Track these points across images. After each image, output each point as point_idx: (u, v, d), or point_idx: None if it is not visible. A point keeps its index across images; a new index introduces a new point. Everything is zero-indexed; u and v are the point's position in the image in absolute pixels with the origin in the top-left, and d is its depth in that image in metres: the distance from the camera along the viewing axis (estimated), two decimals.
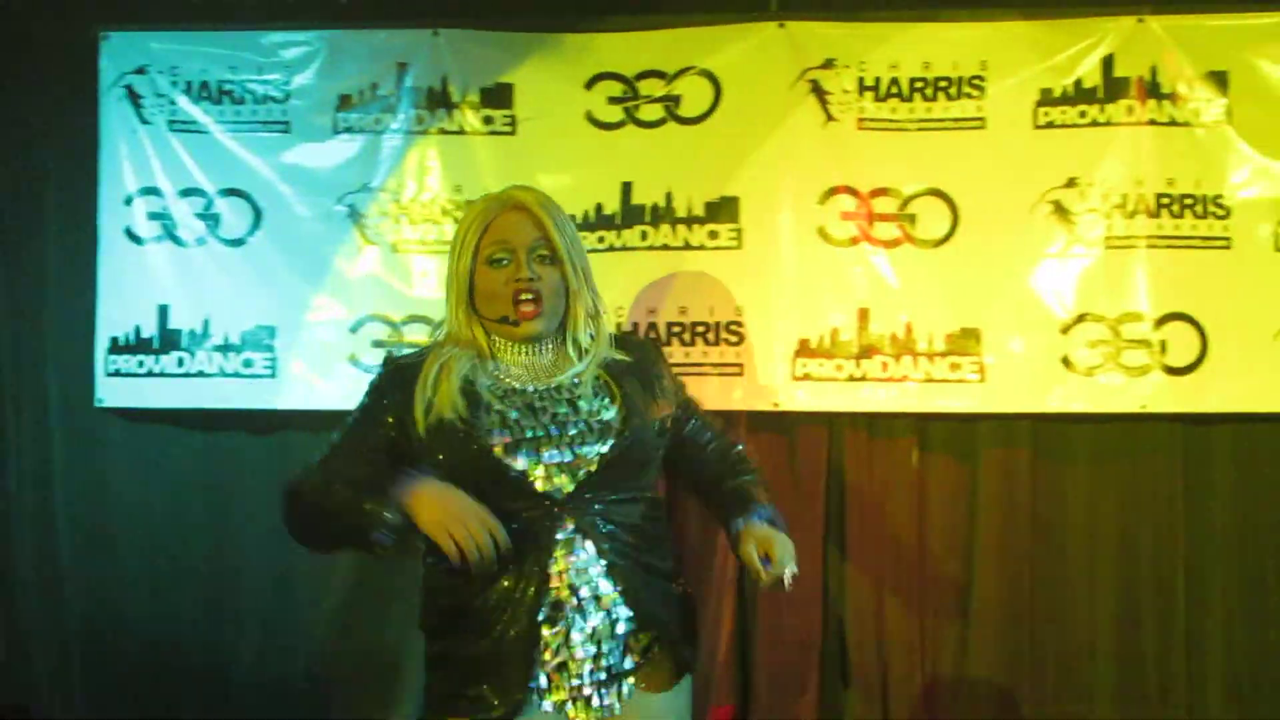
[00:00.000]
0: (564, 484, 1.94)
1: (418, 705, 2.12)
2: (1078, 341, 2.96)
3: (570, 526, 1.93)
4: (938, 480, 3.09)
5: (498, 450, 1.92)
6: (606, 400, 2.01)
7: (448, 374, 1.97)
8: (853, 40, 2.99)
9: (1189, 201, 2.94)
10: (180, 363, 3.05)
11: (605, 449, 1.95)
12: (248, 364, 3.05)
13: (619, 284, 2.99)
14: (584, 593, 1.93)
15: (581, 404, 1.99)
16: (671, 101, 3.02)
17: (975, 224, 2.97)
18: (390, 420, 2.01)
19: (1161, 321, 2.95)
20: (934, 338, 2.99)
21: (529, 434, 1.94)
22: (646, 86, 3.02)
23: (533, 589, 1.90)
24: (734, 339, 3.01)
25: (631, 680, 2.00)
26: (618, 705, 1.98)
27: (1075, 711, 3.06)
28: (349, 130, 3.06)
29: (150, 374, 3.06)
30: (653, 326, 3.02)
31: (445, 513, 1.84)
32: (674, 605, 2.07)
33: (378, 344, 3.04)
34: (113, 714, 3.13)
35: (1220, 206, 2.94)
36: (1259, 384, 2.94)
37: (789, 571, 1.96)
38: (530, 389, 2.00)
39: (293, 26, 3.06)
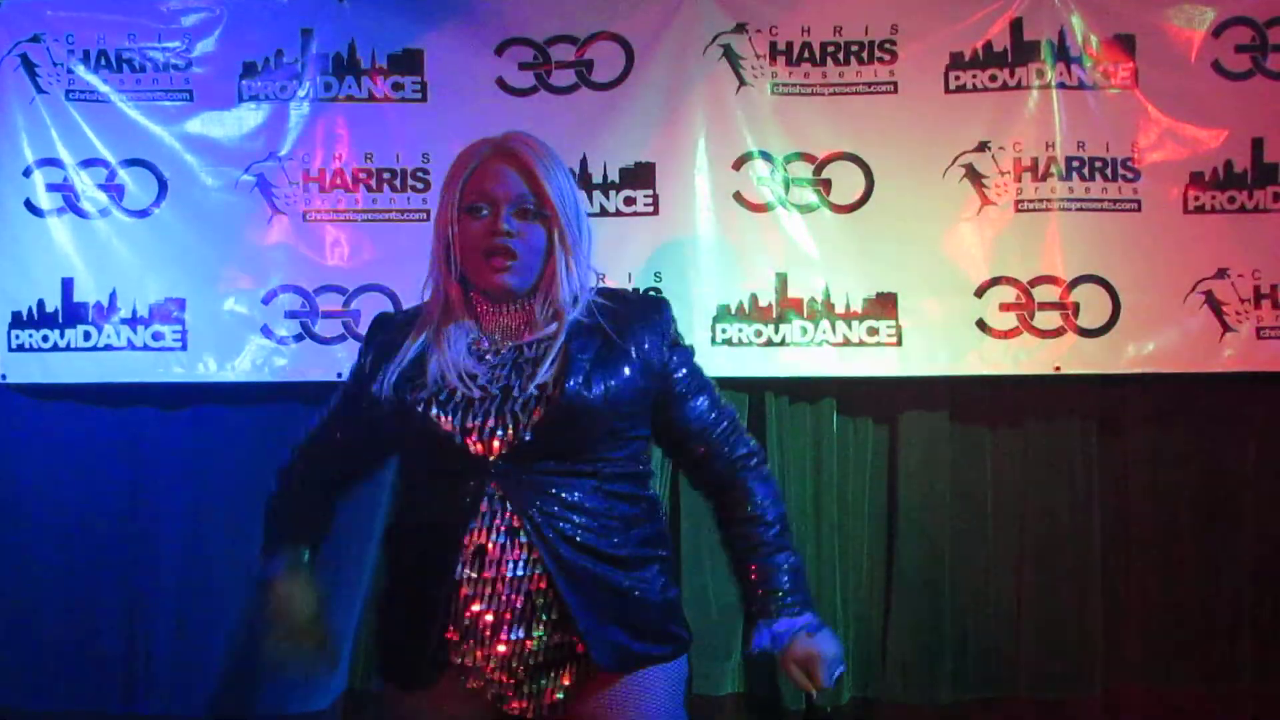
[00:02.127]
0: (498, 449, 1.88)
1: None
2: (992, 304, 3.11)
3: (497, 495, 1.88)
4: (858, 444, 3.24)
5: (427, 408, 1.89)
6: (553, 364, 1.93)
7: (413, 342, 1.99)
8: (763, 4, 3.09)
9: (1099, 164, 3.09)
10: (87, 336, 3.12)
11: (537, 416, 1.88)
12: (157, 337, 3.12)
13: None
14: (504, 570, 1.87)
15: (529, 368, 1.92)
16: (584, 67, 3.12)
17: (889, 188, 3.10)
18: (360, 379, 2.06)
19: (1074, 284, 3.10)
20: (851, 302, 3.12)
21: (463, 394, 1.90)
22: (558, 51, 3.11)
23: (450, 555, 1.87)
24: None
25: (564, 676, 1.94)
26: (552, 691, 1.93)
27: (995, 671, 3.23)
28: (254, 98, 3.13)
29: (56, 348, 3.12)
30: None
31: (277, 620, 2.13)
32: (615, 596, 1.93)
33: (291, 314, 3.13)
34: (27, 697, 3.21)
35: (1130, 169, 3.09)
36: (1170, 344, 3.10)
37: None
38: (488, 350, 1.97)
39: None
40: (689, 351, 2.10)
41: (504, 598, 1.88)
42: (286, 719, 3.21)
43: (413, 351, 1.97)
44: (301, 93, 3.13)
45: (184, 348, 3.13)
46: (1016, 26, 3.08)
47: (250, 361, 3.14)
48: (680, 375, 2.05)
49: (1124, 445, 3.25)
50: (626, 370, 1.95)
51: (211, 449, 3.21)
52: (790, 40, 3.11)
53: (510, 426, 1.88)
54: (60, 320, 3.12)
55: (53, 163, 3.12)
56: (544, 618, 1.89)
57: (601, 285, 2.05)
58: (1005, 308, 3.11)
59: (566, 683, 1.93)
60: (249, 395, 3.18)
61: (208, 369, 3.13)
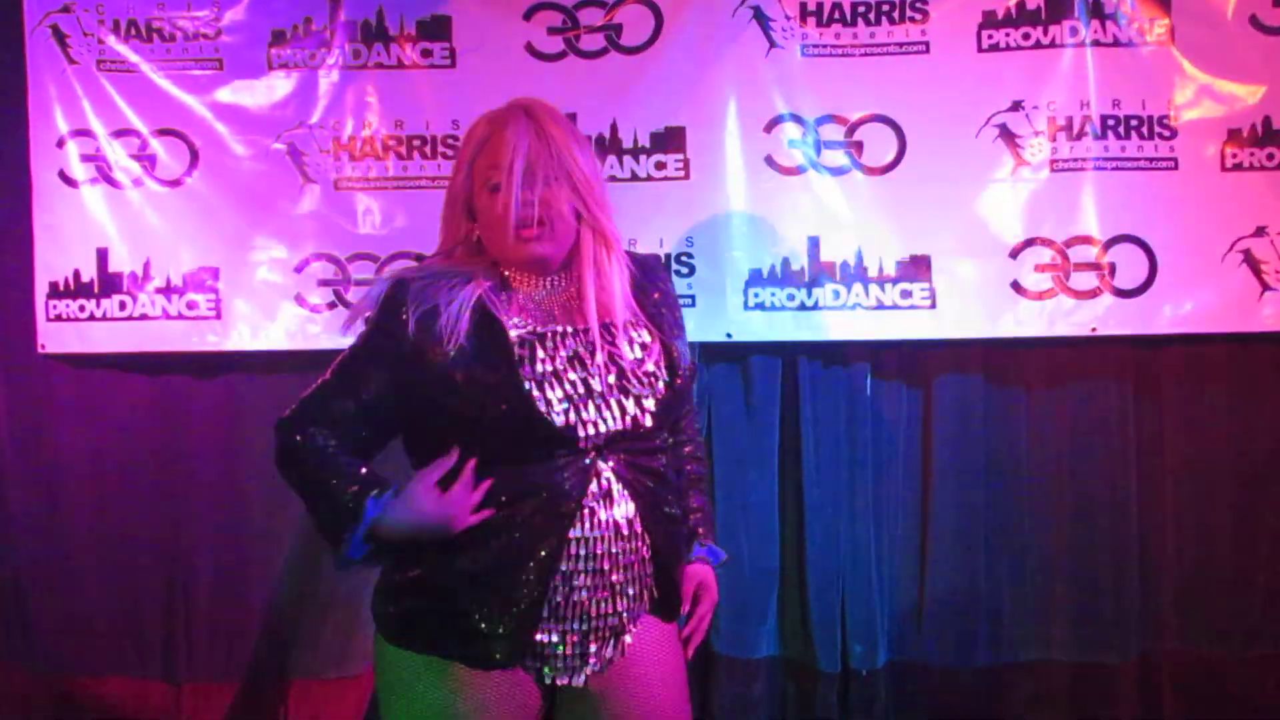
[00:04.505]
0: (603, 433, 1.93)
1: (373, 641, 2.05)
2: (1027, 266, 3.16)
3: (606, 475, 1.94)
4: (891, 407, 3.31)
5: (544, 402, 1.90)
6: (645, 344, 2.01)
7: (466, 306, 1.93)
8: None
9: (1135, 123, 3.13)
10: (122, 306, 3.21)
11: (651, 403, 1.97)
12: (191, 306, 3.21)
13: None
14: (615, 546, 1.95)
15: (623, 347, 1.99)
16: (613, 31, 3.18)
17: (922, 150, 3.15)
18: (399, 341, 1.92)
19: (1110, 244, 3.15)
20: (884, 264, 3.18)
21: (579, 388, 1.93)
22: (586, 16, 3.17)
23: (550, 533, 1.90)
24: (684, 270, 3.19)
25: (633, 629, 2.03)
26: (604, 662, 2.01)
27: (1031, 635, 3.30)
28: (284, 66, 3.20)
29: (92, 318, 3.21)
30: None
31: (445, 510, 1.90)
32: (684, 550, 2.15)
33: (324, 283, 3.21)
34: (67, 662, 3.33)
35: (1166, 127, 3.13)
36: (1208, 304, 3.15)
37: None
38: (561, 330, 1.98)
39: None
40: None
41: (604, 572, 1.95)
42: (322, 683, 3.33)
43: (479, 313, 1.95)
44: (331, 60, 3.20)
45: (218, 316, 3.22)
46: None
47: (284, 330, 3.22)
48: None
49: (1161, 407, 3.30)
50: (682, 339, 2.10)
51: (246, 417, 3.30)
52: (820, 1, 3.16)
53: (627, 416, 1.95)
54: (96, 290, 3.21)
55: (85, 133, 3.20)
56: (628, 590, 1.99)
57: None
58: (1040, 269, 3.16)
59: (610, 652, 2.01)
60: (283, 363, 3.26)
61: (242, 337, 3.22)
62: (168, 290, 3.22)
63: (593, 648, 1.98)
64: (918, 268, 3.18)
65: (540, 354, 1.94)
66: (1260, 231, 3.14)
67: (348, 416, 1.97)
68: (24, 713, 3.35)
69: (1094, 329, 3.18)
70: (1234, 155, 3.14)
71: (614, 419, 1.94)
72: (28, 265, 3.22)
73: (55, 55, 3.19)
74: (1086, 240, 3.16)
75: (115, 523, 3.33)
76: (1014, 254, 3.17)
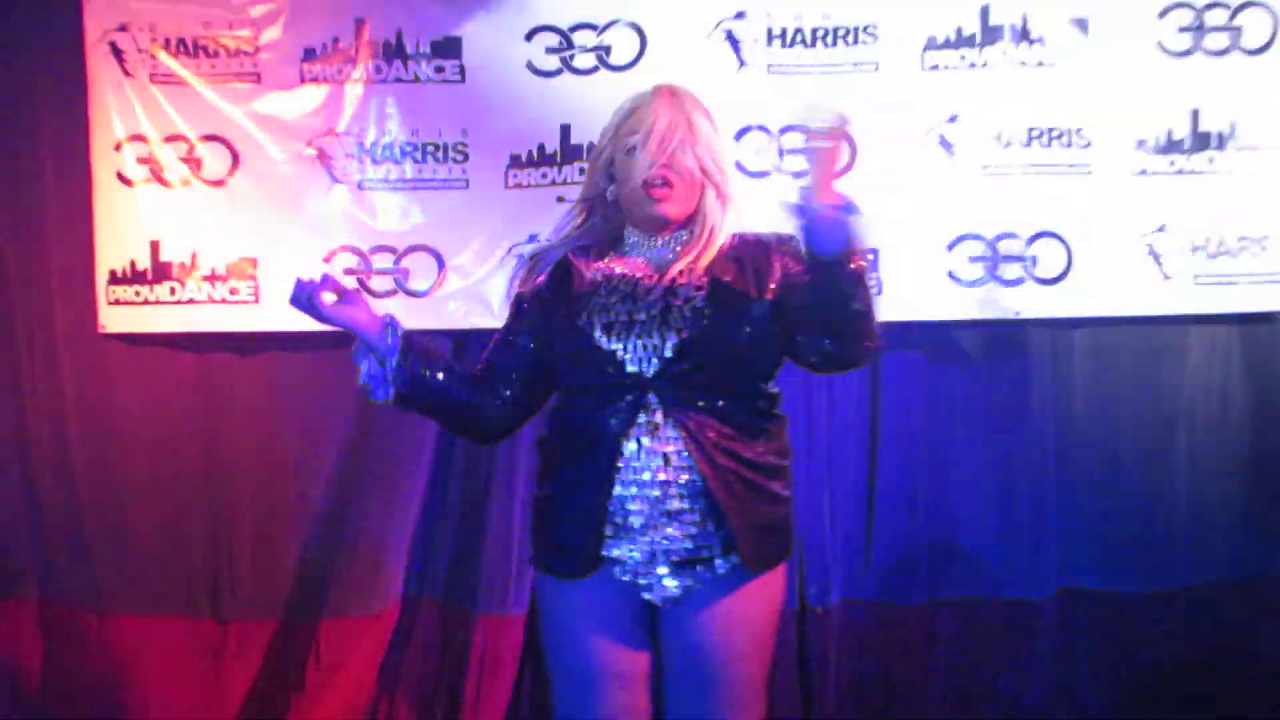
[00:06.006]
0: (653, 364, 2.14)
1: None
2: (961, 257, 3.58)
3: (654, 404, 2.15)
4: (843, 379, 3.65)
5: (591, 330, 2.17)
6: (700, 287, 2.19)
7: (549, 263, 2.30)
8: None
9: (1056, 133, 3.54)
10: (172, 291, 3.57)
11: (688, 333, 2.14)
12: (233, 291, 3.57)
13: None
14: (661, 473, 2.14)
15: (680, 292, 2.17)
16: (603, 51, 3.54)
17: (872, 155, 3.52)
18: (521, 296, 2.34)
19: (1033, 239, 3.57)
20: None
21: (621, 317, 2.16)
22: (580, 37, 3.53)
23: (609, 461, 2.14)
24: None
25: (707, 566, 2.18)
26: (683, 588, 2.18)
27: (964, 575, 3.72)
28: (314, 80, 3.55)
29: (146, 302, 3.57)
30: None
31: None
32: (757, 497, 2.20)
33: (349, 271, 3.58)
34: (126, 603, 3.69)
35: (1083, 137, 3.54)
36: (1117, 291, 3.59)
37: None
38: (638, 276, 2.22)
39: None
40: None
41: (656, 499, 2.16)
42: (348, 621, 3.69)
43: (586, 281, 2.26)
44: (356, 75, 3.55)
45: (256, 301, 3.59)
46: (984, 12, 3.52)
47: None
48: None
49: (1073, 379, 3.73)
50: (767, 299, 2.22)
51: (281, 389, 3.68)
52: (784, 25, 3.53)
53: (667, 346, 2.15)
54: (150, 277, 3.56)
55: (139, 138, 3.55)
56: (691, 519, 2.17)
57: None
58: (973, 260, 3.58)
59: (690, 582, 2.19)
60: (313, 343, 3.50)
61: (277, 320, 3.53)
62: (212, 278, 3.58)
63: (664, 571, 2.17)
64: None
65: (603, 291, 2.23)
66: (1162, 229, 3.57)
67: (505, 361, 2.34)
68: (85, 648, 3.70)
69: (1018, 313, 3.60)
70: (1141, 162, 3.56)
71: (656, 349, 2.15)
72: (89, 255, 3.58)
73: (113, 68, 3.53)
74: (1012, 235, 3.57)
75: (167, 479, 3.67)
76: (950, 247, 3.57)
